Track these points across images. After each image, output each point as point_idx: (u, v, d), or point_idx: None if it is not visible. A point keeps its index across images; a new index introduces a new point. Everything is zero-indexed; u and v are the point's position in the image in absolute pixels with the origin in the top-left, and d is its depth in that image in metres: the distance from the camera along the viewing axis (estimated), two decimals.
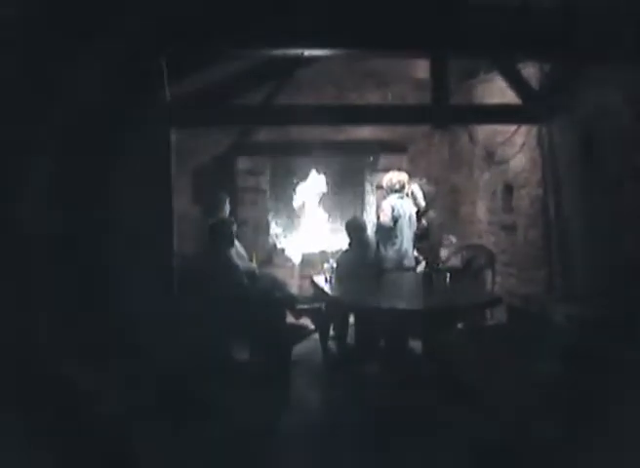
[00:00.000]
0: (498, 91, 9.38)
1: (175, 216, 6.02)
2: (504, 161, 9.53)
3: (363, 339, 8.00)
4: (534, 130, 8.60)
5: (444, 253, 10.43)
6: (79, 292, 5.10)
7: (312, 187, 11.73)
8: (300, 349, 7.96)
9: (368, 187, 11.96)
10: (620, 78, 6.61)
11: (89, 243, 5.14)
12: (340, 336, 8.30)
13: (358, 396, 6.94)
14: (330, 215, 11.90)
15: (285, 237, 11.81)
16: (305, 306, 8.41)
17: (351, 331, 8.21)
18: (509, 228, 9.53)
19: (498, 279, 9.25)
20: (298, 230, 11.88)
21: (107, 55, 4.95)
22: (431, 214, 10.26)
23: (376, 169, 11.46)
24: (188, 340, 6.22)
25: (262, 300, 7.41)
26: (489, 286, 8.83)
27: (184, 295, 6.77)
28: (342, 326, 8.27)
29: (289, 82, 10.11)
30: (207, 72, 8.06)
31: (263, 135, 10.90)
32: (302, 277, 10.61)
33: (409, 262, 9.12)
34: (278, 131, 10.88)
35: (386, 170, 10.41)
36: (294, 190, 11.71)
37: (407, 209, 9.25)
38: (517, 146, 9.07)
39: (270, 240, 11.35)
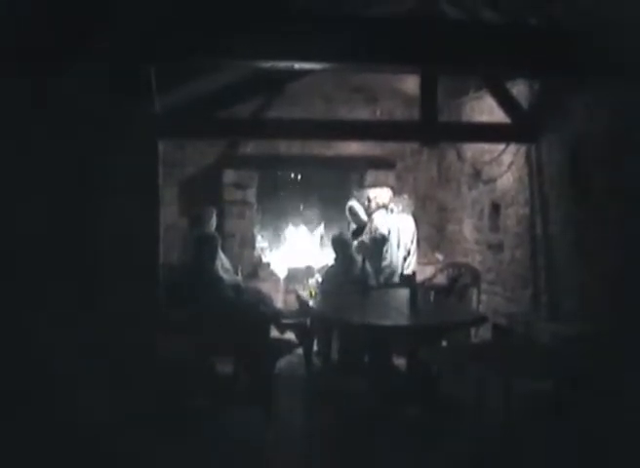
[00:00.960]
0: (487, 109, 9.41)
1: (162, 228, 5.98)
2: (492, 179, 9.54)
3: (347, 355, 7.97)
4: (522, 149, 8.61)
5: (430, 270, 10.43)
6: (64, 300, 5.06)
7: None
8: (283, 363, 7.92)
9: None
10: (607, 97, 6.64)
11: (73, 253, 5.09)
12: (325, 351, 8.27)
13: (341, 411, 6.91)
14: (316, 230, 11.88)
15: (271, 251, 11.78)
16: (290, 321, 8.37)
17: (335, 347, 8.18)
18: (496, 247, 9.53)
19: (483, 297, 9.24)
20: (283, 244, 11.85)
21: (94, 65, 4.92)
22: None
23: (363, 185, 11.44)
24: (171, 353, 6.18)
25: (247, 314, 7.37)
26: (474, 304, 8.81)
27: (169, 307, 6.73)
28: (327, 341, 8.24)
29: (279, 95, 10.14)
30: (196, 84, 8.05)
31: (251, 148, 10.92)
32: (288, 291, 10.57)
33: (395, 278, 9.12)
34: (266, 144, 10.88)
35: (374, 186, 10.42)
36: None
37: (394, 224, 9.23)
38: (505, 165, 9.08)
39: (256, 253, 11.31)
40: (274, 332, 8.13)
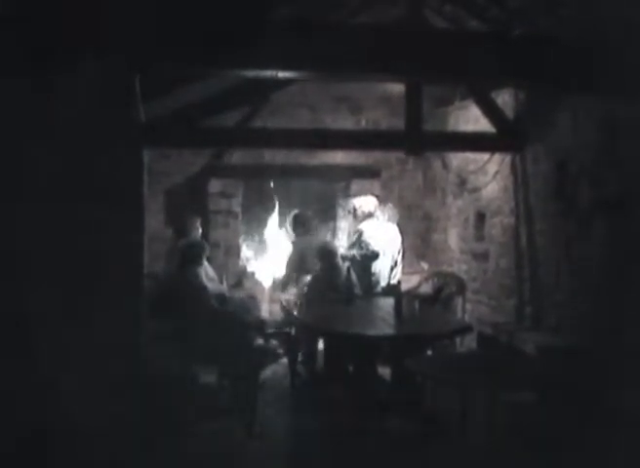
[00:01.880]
0: (472, 118, 9.42)
1: (146, 237, 5.96)
2: (477, 189, 9.55)
3: (332, 364, 7.95)
4: (507, 158, 8.63)
5: (415, 279, 10.42)
6: (47, 310, 5.02)
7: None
8: (268, 373, 7.89)
9: (340, 212, 11.95)
10: (593, 109, 6.65)
11: (57, 262, 5.06)
12: (309, 361, 8.25)
13: (325, 420, 6.88)
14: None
15: (256, 260, 11.76)
16: (274, 330, 8.35)
17: (320, 356, 8.16)
18: (481, 256, 9.54)
19: (468, 306, 9.24)
20: (268, 254, 11.83)
21: (79, 73, 4.89)
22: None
23: (348, 194, 11.43)
24: (155, 361, 6.15)
25: (231, 323, 7.35)
26: (459, 313, 8.81)
27: (153, 316, 6.70)
28: (311, 350, 8.22)
29: (264, 105, 10.13)
30: (181, 93, 8.03)
31: (237, 157, 10.92)
32: (272, 300, 10.55)
33: (381, 288, 9.11)
34: (251, 153, 10.88)
35: (359, 195, 10.42)
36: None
37: (380, 234, 9.23)
38: (490, 174, 9.10)
39: (241, 263, 11.29)
40: (259, 341, 8.11)
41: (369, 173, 11.51)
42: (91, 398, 4.87)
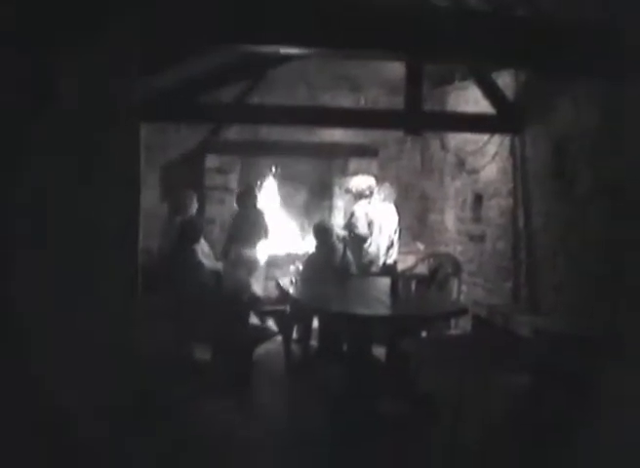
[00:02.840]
0: (472, 99, 9.37)
1: (142, 213, 5.91)
2: (475, 170, 9.52)
3: (326, 343, 7.95)
4: (506, 140, 8.59)
5: (411, 260, 10.40)
6: (38, 284, 4.99)
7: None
8: (262, 351, 7.88)
9: (337, 190, 11.90)
10: (594, 92, 6.61)
11: (50, 236, 5.02)
12: (304, 339, 8.24)
13: (319, 400, 6.88)
14: (298, 218, 11.84)
15: None
16: (269, 308, 8.33)
17: (315, 335, 8.16)
18: (477, 238, 9.52)
19: (464, 288, 9.23)
20: None
21: (77, 48, 4.84)
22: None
23: (345, 172, 11.38)
24: (150, 339, 6.13)
25: (226, 300, 7.33)
26: (454, 295, 8.80)
27: (148, 293, 6.67)
28: (306, 329, 8.21)
29: (262, 81, 10.06)
30: (179, 67, 7.96)
31: (233, 133, 10.84)
32: (267, 278, 10.51)
33: (377, 268, 9.10)
34: (248, 130, 10.82)
35: (356, 174, 10.38)
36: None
37: (377, 214, 9.20)
38: (489, 156, 9.06)
39: None
40: (254, 319, 8.09)
41: (367, 152, 11.44)
42: (82, 377, 4.85)
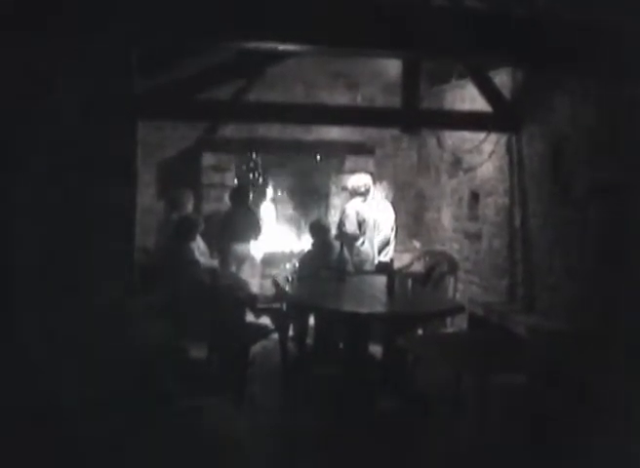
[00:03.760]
0: (469, 97, 9.37)
1: (138, 211, 5.92)
2: (472, 168, 9.52)
3: (322, 341, 7.95)
4: (503, 138, 8.59)
5: (407, 258, 10.40)
6: (36, 281, 5.00)
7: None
8: (258, 349, 7.88)
9: (333, 189, 11.89)
10: (591, 91, 6.62)
11: (48, 234, 5.03)
12: (300, 337, 8.23)
13: (315, 397, 6.89)
14: (294, 215, 11.83)
15: None
16: (266, 306, 8.33)
17: (311, 333, 8.16)
18: (474, 236, 9.52)
19: (460, 286, 9.22)
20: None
21: (77, 45, 4.85)
22: None
23: (342, 170, 11.39)
24: (146, 336, 6.14)
25: (222, 298, 7.33)
26: (451, 293, 8.79)
27: (144, 290, 6.68)
28: (302, 326, 8.21)
29: (259, 79, 10.06)
30: (177, 65, 7.97)
31: (230, 131, 10.84)
32: (264, 276, 10.51)
33: (371, 266, 9.10)
34: (245, 128, 10.82)
35: (353, 172, 10.38)
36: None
37: (371, 212, 9.20)
38: (485, 154, 9.05)
39: None
40: (250, 317, 8.09)
41: (363, 150, 11.44)
42: (77, 370, 4.86)
